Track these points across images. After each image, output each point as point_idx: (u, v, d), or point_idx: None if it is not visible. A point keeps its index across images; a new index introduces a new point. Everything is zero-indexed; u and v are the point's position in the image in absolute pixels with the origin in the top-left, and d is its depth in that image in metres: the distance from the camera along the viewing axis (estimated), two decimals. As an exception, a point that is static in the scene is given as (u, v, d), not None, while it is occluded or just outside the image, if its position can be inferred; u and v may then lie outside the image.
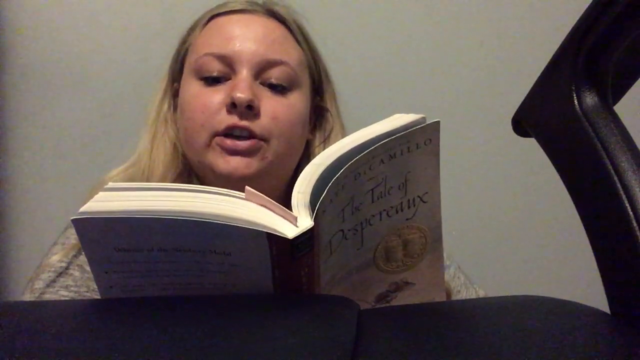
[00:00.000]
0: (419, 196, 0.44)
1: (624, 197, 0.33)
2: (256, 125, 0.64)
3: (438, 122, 0.42)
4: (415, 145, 0.42)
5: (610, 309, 0.35)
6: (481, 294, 0.75)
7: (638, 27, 0.33)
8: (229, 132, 0.63)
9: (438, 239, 0.47)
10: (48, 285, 0.61)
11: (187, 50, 0.71)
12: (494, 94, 1.09)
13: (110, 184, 0.36)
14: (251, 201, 0.36)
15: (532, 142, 0.42)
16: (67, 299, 0.60)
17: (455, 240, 0.74)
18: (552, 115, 0.39)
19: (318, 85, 0.75)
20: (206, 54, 0.66)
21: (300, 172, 0.39)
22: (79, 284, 0.62)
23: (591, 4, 0.34)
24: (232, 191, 0.37)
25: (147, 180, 0.68)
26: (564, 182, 0.38)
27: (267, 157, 0.65)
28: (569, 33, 0.36)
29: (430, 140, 0.42)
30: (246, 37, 0.66)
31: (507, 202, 1.13)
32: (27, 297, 0.62)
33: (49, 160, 1.01)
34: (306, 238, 0.35)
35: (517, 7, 1.10)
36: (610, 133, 0.35)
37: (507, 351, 0.29)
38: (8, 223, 1.01)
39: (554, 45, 0.38)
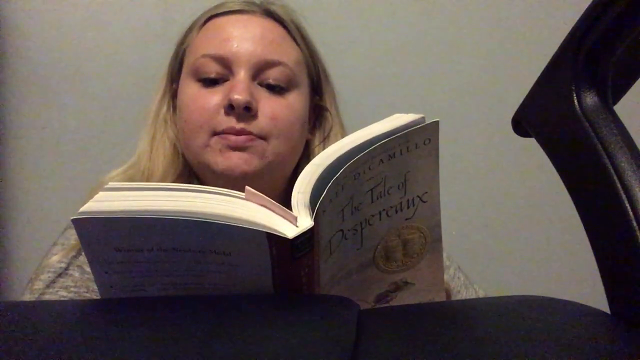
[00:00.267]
0: (418, 196, 0.44)
1: (624, 197, 0.33)
2: (254, 127, 0.64)
3: (437, 122, 0.42)
4: (415, 145, 0.42)
5: (610, 309, 0.35)
6: (481, 294, 0.75)
7: (638, 27, 0.33)
8: (227, 133, 0.63)
9: (437, 239, 0.47)
10: (48, 286, 0.61)
11: (185, 51, 0.71)
12: (494, 94, 1.09)
13: (111, 184, 0.35)
14: (251, 201, 0.36)
15: (532, 142, 0.42)
16: (66, 299, 0.60)
17: (455, 240, 0.74)
18: (552, 115, 0.39)
19: (317, 84, 0.75)
20: (204, 55, 0.66)
21: (300, 172, 0.40)
22: (78, 285, 0.61)
23: (591, 4, 0.34)
24: (232, 191, 0.37)
25: (147, 182, 0.68)
26: (564, 182, 0.38)
27: (266, 156, 0.65)
28: (569, 33, 0.36)
29: (430, 140, 0.42)
30: (244, 38, 0.66)
31: (507, 202, 1.13)
32: (27, 297, 0.61)
33: (49, 160, 1.01)
34: (306, 238, 0.35)
35: (517, 7, 1.10)
36: (610, 133, 0.35)
37: (507, 351, 0.29)
38: (8, 223, 1.01)
39: (554, 45, 0.38)
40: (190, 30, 0.72)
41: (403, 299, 0.48)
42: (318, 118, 0.76)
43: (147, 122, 0.73)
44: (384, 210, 0.43)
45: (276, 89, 0.67)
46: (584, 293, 0.50)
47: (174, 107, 0.72)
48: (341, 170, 0.38)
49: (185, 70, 0.70)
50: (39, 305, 0.41)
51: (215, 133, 0.64)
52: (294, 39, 0.71)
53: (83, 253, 0.37)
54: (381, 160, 0.41)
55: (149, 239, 0.34)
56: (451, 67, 1.10)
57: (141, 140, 0.72)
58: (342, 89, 0.78)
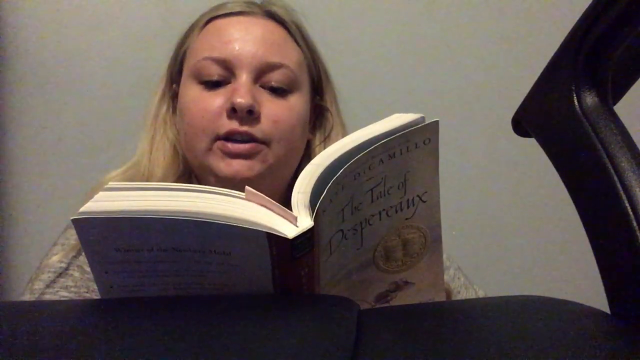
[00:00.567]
0: (418, 196, 0.44)
1: (624, 197, 0.33)
2: (257, 130, 0.64)
3: (437, 122, 0.42)
4: (415, 144, 0.42)
5: (610, 309, 0.35)
6: (481, 294, 0.75)
7: (638, 27, 0.33)
8: (230, 137, 0.63)
9: (437, 239, 0.47)
10: (48, 286, 0.61)
11: (185, 52, 0.71)
12: (494, 94, 1.09)
13: (111, 184, 0.36)
14: (251, 201, 0.36)
15: (532, 142, 0.42)
16: (67, 299, 0.60)
17: (455, 240, 0.74)
18: (552, 115, 0.39)
19: (318, 84, 0.74)
20: (205, 58, 0.66)
21: (301, 172, 0.40)
22: (78, 285, 0.61)
23: (591, 4, 0.34)
24: (232, 191, 0.37)
25: (147, 182, 0.68)
26: (564, 182, 0.38)
27: (268, 160, 0.65)
28: (569, 33, 0.36)
29: (430, 139, 0.42)
30: (245, 40, 0.66)
31: (507, 202, 1.13)
32: (27, 297, 0.61)
33: (49, 160, 1.01)
34: (306, 238, 0.35)
35: (518, 7, 1.10)
36: (610, 133, 0.35)
37: (507, 351, 0.29)
38: (8, 223, 1.01)
39: (554, 45, 0.38)
40: (190, 31, 0.72)
41: (403, 298, 0.48)
42: (319, 118, 0.75)
43: (147, 123, 0.72)
44: (384, 210, 0.43)
45: (278, 92, 0.67)
46: (584, 293, 0.50)
47: (174, 108, 0.72)
48: (341, 170, 0.38)
49: (186, 72, 0.69)
50: (39, 305, 0.41)
51: (217, 136, 0.64)
52: (295, 40, 0.71)
53: (83, 253, 0.37)
54: (381, 160, 0.41)
55: (149, 239, 0.34)
56: (451, 67, 1.10)
57: (141, 141, 0.72)
58: (343, 89, 0.78)
